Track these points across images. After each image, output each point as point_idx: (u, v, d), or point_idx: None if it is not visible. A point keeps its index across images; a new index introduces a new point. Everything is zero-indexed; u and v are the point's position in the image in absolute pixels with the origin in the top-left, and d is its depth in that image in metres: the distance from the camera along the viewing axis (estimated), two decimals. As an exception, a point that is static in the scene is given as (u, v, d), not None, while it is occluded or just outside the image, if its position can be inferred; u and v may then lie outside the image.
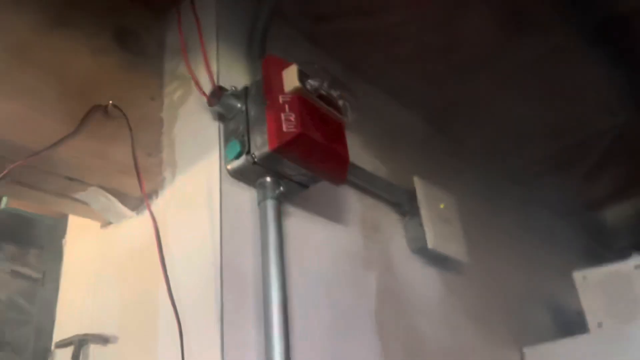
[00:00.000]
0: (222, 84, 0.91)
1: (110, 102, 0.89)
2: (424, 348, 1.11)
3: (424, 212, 1.21)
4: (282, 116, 0.79)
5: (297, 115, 0.79)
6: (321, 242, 0.98)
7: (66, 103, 0.85)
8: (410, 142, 1.41)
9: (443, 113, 1.48)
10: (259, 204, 0.85)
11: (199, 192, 0.86)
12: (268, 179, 0.85)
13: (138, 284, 0.88)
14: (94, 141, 0.87)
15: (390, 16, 1.15)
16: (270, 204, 0.83)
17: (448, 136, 1.55)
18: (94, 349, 0.91)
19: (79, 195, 0.92)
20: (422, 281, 1.21)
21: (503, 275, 1.49)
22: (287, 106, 0.80)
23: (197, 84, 0.90)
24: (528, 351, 1.38)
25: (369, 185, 1.15)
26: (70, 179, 0.88)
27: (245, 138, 0.83)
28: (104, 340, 0.90)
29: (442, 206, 1.28)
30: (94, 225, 1.04)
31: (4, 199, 1.24)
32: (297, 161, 0.82)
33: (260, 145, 0.81)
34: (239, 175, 0.85)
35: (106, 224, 1.01)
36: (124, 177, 0.90)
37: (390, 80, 1.35)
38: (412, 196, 1.23)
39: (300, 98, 0.81)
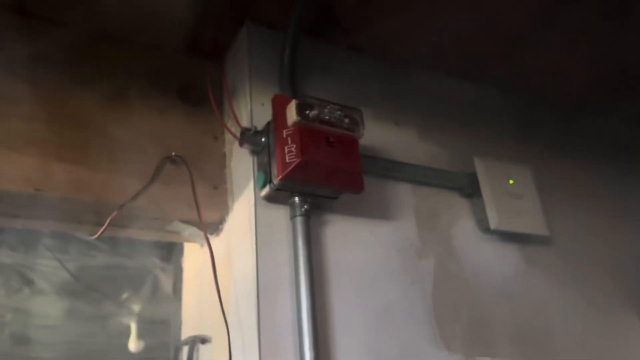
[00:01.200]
0: (256, 121, 1.08)
1: (174, 153, 1.11)
2: (493, 329, 1.14)
3: (485, 192, 1.22)
4: (286, 149, 0.93)
5: (297, 145, 0.92)
6: (365, 241, 1.08)
7: (141, 161, 1.09)
8: (475, 119, 1.40)
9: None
10: (290, 220, 1.00)
11: (244, 216, 1.04)
12: (296, 198, 0.99)
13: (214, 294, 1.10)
14: (165, 186, 1.10)
15: (414, 10, 1.18)
16: (298, 221, 0.98)
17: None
18: (200, 348, 1.16)
19: (169, 227, 1.16)
20: (495, 261, 1.23)
21: (606, 240, 1.41)
22: (289, 139, 0.93)
23: (228, 129, 1.07)
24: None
25: (421, 178, 1.21)
26: (156, 218, 1.13)
27: (268, 169, 0.98)
28: (203, 340, 1.14)
29: (511, 182, 1.27)
30: (196, 246, 1.29)
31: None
32: (309, 183, 0.95)
33: (274, 175, 0.95)
34: (271, 199, 1.01)
35: (200, 245, 1.25)
36: (195, 211, 1.12)
37: (447, 61, 1.37)
38: (474, 178, 1.25)
39: (301, 129, 0.94)
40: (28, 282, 1.58)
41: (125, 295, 1.87)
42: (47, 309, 1.56)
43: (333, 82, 1.24)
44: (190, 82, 1.23)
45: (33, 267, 1.61)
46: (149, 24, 1.16)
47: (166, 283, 1.74)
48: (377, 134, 1.22)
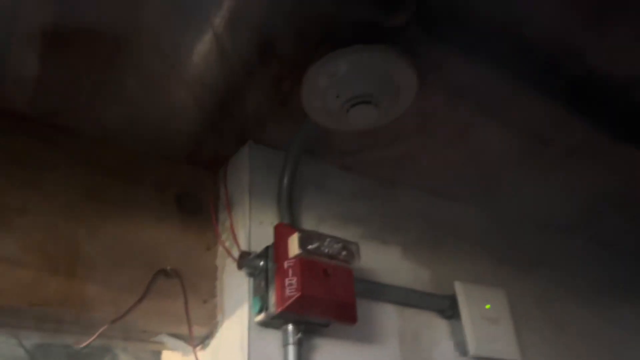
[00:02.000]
0: (254, 240, 1.11)
1: (169, 267, 1.13)
2: None
3: (464, 317, 1.27)
4: (286, 281, 0.96)
5: (298, 278, 0.95)
6: (352, 366, 1.11)
7: (134, 274, 1.10)
8: (457, 239, 1.47)
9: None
10: (283, 347, 1.01)
11: (236, 337, 1.05)
12: (290, 326, 1.01)
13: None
14: (157, 301, 1.10)
15: (405, 143, 1.27)
16: (290, 350, 0.99)
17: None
18: None
19: (155, 339, 1.16)
20: (473, 383, 1.26)
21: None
22: (290, 271, 0.97)
23: (229, 252, 1.10)
24: None
25: (405, 300, 1.26)
26: (144, 331, 1.12)
27: (266, 296, 1.01)
28: None
29: (487, 307, 1.33)
30: (177, 355, 1.27)
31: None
32: (305, 314, 0.98)
33: (272, 305, 0.98)
34: (265, 324, 1.03)
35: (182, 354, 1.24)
36: (184, 325, 1.12)
37: (433, 184, 1.45)
38: (454, 301, 1.30)
39: (302, 261, 0.98)
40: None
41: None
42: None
43: (326, 200, 1.29)
44: (188, 190, 1.26)
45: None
46: (153, 134, 1.20)
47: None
48: (364, 253, 1.26)
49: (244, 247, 1.11)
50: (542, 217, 1.61)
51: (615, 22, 1.01)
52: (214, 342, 1.13)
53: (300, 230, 1.00)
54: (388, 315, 1.22)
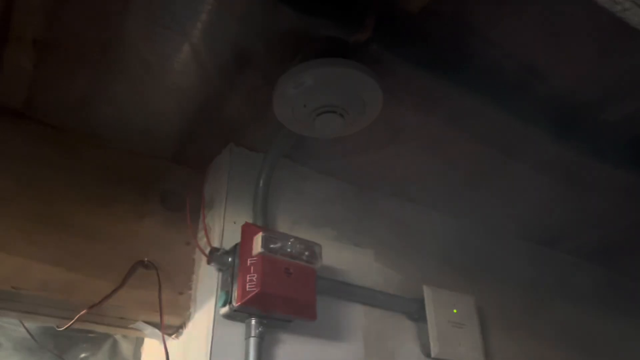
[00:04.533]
0: (226, 238, 1.18)
1: (146, 259, 1.20)
2: None
3: (430, 320, 1.33)
4: (247, 277, 1.03)
5: (259, 275, 1.02)
6: (313, 362, 1.17)
7: (114, 264, 1.18)
8: (429, 245, 1.53)
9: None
10: (245, 339, 1.08)
11: (203, 328, 1.12)
12: (253, 320, 1.08)
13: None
14: (135, 290, 1.18)
15: (380, 152, 1.32)
16: (252, 342, 1.06)
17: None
18: None
19: (132, 325, 1.24)
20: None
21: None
22: (252, 268, 1.04)
23: (197, 245, 1.17)
24: None
25: (373, 301, 1.32)
26: (122, 317, 1.20)
27: (230, 290, 1.08)
28: None
29: (455, 311, 1.38)
30: (155, 341, 1.35)
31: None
32: (265, 310, 1.05)
33: (235, 299, 1.05)
34: (229, 317, 1.10)
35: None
36: (159, 314, 1.20)
37: (408, 191, 1.51)
38: (422, 304, 1.36)
39: (264, 259, 1.04)
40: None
41: (83, 355, 1.91)
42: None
43: (302, 203, 1.35)
44: (172, 188, 1.34)
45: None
46: (139, 135, 1.28)
47: (126, 348, 1.80)
48: (337, 255, 1.33)
49: (216, 244, 1.18)
50: (514, 227, 1.65)
51: (573, 45, 1.05)
52: (186, 332, 1.21)
53: (265, 230, 1.07)
54: (355, 315, 1.28)
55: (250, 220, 1.23)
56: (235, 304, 1.03)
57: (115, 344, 2.17)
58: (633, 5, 0.58)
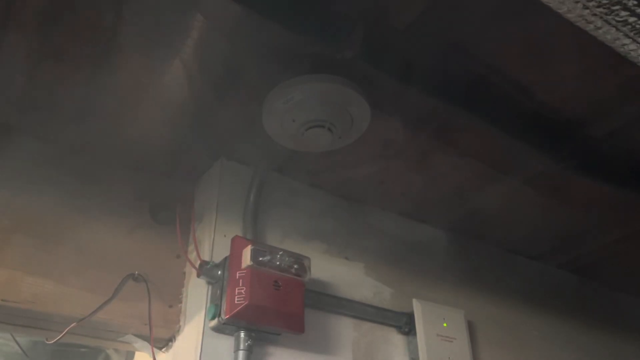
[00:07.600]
0: (216, 251, 1.19)
1: (137, 272, 1.21)
2: None
3: (419, 334, 1.33)
4: (236, 290, 1.03)
5: (247, 288, 1.03)
6: (302, 375, 1.17)
7: (104, 277, 1.18)
8: (420, 259, 1.53)
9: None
10: (234, 352, 1.09)
11: (192, 341, 1.12)
12: (241, 333, 1.08)
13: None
14: (125, 303, 1.18)
15: (370, 166, 1.34)
16: (240, 355, 1.06)
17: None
18: None
19: (121, 339, 1.24)
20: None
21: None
22: (241, 280, 1.04)
23: (187, 258, 1.18)
24: None
25: (363, 315, 1.32)
26: (112, 331, 1.21)
27: (220, 303, 1.08)
28: None
29: (444, 325, 1.38)
30: (145, 355, 1.35)
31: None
32: (253, 323, 1.05)
33: (224, 312, 1.05)
34: (219, 330, 1.10)
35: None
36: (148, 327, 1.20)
37: (397, 204, 1.52)
38: (411, 318, 1.36)
39: (253, 272, 1.05)
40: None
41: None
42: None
43: (293, 216, 1.36)
44: (162, 201, 1.35)
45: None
46: (131, 147, 1.29)
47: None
48: (327, 268, 1.34)
49: (206, 257, 1.18)
50: (503, 241, 1.66)
51: (558, 62, 1.07)
52: (175, 345, 1.21)
53: (254, 243, 1.07)
54: (344, 328, 1.29)
55: (240, 234, 1.23)
56: (224, 316, 1.04)
57: (107, 359, 2.16)
58: (604, 24, 0.60)
